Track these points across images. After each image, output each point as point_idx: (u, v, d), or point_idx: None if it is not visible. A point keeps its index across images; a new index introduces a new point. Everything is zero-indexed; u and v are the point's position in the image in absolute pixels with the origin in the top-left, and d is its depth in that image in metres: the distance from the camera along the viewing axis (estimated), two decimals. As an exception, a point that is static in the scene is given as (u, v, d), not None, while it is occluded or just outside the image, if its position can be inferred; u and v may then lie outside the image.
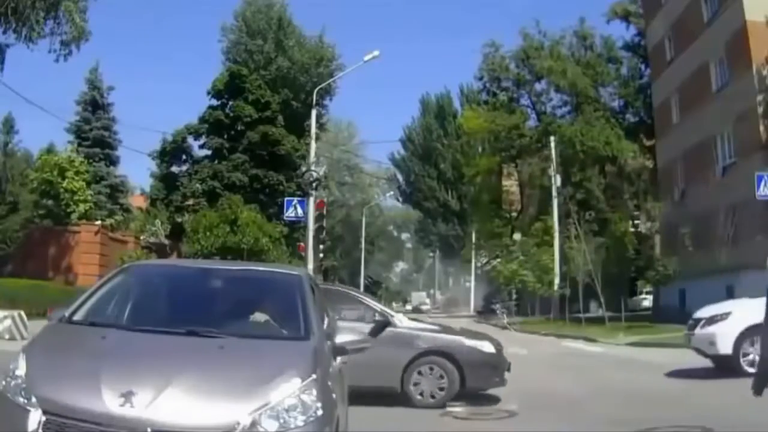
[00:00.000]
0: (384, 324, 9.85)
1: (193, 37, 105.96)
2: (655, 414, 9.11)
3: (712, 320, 13.15)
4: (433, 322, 12.03)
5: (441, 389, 9.88)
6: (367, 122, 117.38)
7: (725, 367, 12.60)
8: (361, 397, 7.06)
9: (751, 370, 12.15)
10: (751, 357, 12.30)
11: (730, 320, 12.79)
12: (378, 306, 10.74)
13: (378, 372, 9.60)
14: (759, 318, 12.69)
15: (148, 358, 4.34)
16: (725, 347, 12.52)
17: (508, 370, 10.35)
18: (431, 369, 9.92)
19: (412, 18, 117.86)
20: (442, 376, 9.89)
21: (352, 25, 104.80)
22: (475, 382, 10.02)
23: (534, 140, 41.70)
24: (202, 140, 38.19)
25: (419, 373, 9.92)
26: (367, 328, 9.75)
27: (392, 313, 10.69)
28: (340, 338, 5.29)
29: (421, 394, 9.90)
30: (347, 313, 10.31)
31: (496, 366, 10.24)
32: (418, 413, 9.53)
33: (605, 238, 36.23)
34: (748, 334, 12.30)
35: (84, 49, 25.29)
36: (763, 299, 14.10)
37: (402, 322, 10.35)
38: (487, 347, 10.32)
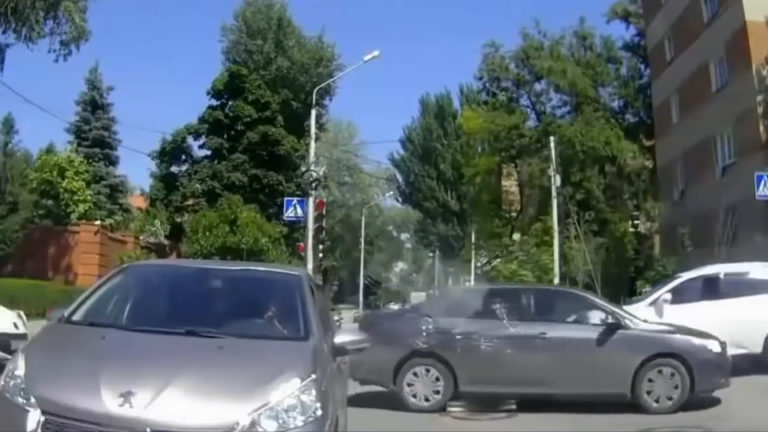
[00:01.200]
0: (615, 326, 9.61)
1: (193, 37, 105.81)
2: (656, 414, 9.10)
3: None
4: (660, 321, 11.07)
5: (672, 394, 9.29)
6: (367, 122, 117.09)
7: None
8: (360, 397, 7.05)
9: None
10: None
11: None
12: (609, 307, 10.19)
13: (607, 377, 9.34)
14: None
15: (148, 359, 4.35)
16: None
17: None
18: (663, 372, 9.32)
19: (412, 18, 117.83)
20: (675, 382, 9.28)
21: (352, 25, 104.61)
22: (703, 384, 9.39)
23: (534, 140, 41.59)
24: (202, 140, 38.17)
25: (655, 375, 9.34)
26: (596, 330, 9.63)
27: (624, 314, 10.04)
28: (340, 338, 5.29)
29: (653, 399, 9.31)
30: (576, 315, 10.07)
31: (722, 366, 9.58)
32: (417, 413, 9.52)
33: (605, 238, 36.17)
34: None
35: (84, 49, 25.22)
36: (626, 307, 13.94)
37: (634, 322, 9.84)
38: (715, 346, 9.63)
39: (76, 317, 5.04)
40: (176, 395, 3.95)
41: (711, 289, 12.87)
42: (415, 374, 9.58)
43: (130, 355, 4.41)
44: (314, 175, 25.68)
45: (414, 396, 9.55)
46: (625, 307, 13.12)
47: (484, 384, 9.48)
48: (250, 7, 46.41)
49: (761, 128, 25.54)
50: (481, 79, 45.89)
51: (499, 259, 42.74)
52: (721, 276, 12.99)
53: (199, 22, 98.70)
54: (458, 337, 9.57)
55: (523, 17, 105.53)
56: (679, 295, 12.66)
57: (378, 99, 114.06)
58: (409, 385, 9.56)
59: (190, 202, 36.48)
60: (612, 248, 35.07)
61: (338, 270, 71.48)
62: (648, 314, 12.20)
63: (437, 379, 9.52)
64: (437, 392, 9.51)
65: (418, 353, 9.61)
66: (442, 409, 9.40)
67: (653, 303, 12.60)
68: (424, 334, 9.69)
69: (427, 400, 9.54)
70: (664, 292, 12.87)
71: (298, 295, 5.32)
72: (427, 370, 9.57)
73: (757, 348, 11.71)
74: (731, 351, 11.53)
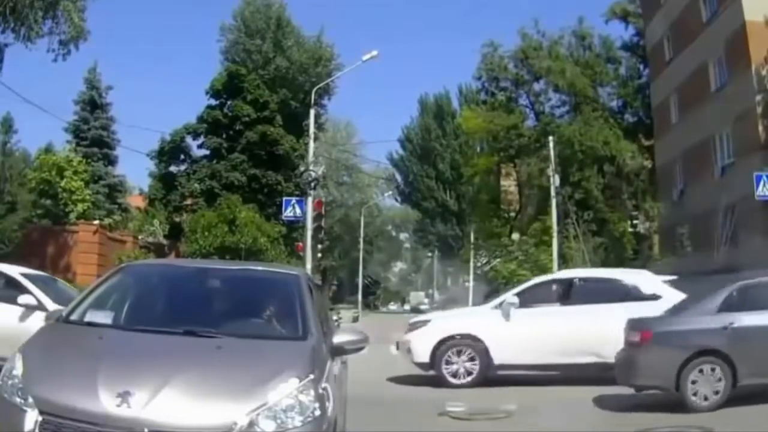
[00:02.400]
0: None
1: (191, 36, 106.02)
2: (655, 414, 9.10)
3: (413, 326, 12.99)
4: None
5: None
6: (366, 122, 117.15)
7: (433, 376, 12.29)
8: (359, 397, 7.03)
9: (455, 381, 11.93)
10: (454, 367, 12.07)
11: (427, 328, 12.61)
12: None
13: None
14: (457, 329, 12.30)
15: (146, 358, 4.33)
16: (421, 355, 12.37)
17: None
18: None
19: (411, 18, 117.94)
20: None
21: (351, 25, 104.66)
22: None
23: (532, 140, 41.58)
24: (201, 140, 38.11)
25: None
26: None
27: None
28: (338, 338, 5.27)
29: None
30: None
31: None
32: (416, 413, 9.50)
33: (604, 238, 36.21)
34: (447, 344, 12.13)
35: (83, 49, 25.19)
36: (468, 309, 13.75)
37: None
38: None
39: (73, 317, 5.03)
40: (174, 395, 3.94)
41: (563, 293, 12.67)
42: (693, 379, 9.32)
43: (128, 355, 4.40)
44: (313, 174, 25.67)
45: (703, 399, 9.30)
46: (472, 308, 13.05)
47: (763, 376, 9.35)
48: (249, 6, 46.42)
49: (760, 128, 25.55)
50: (479, 78, 45.86)
51: (498, 259, 42.77)
52: (576, 281, 12.80)
53: (198, 22, 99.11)
54: (737, 331, 9.40)
55: (522, 17, 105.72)
56: (529, 299, 12.41)
57: (377, 99, 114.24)
58: (693, 388, 9.30)
59: (188, 201, 36.45)
60: (611, 248, 35.09)
61: (337, 270, 71.46)
62: (494, 317, 12.21)
63: (716, 374, 9.30)
64: (718, 389, 9.30)
65: (701, 352, 9.37)
66: (720, 406, 9.21)
67: (499, 305, 12.45)
68: (707, 331, 9.50)
69: (715, 393, 9.28)
70: (510, 295, 12.67)
71: (297, 295, 5.31)
72: (705, 369, 9.33)
73: (609, 357, 10.43)
74: (578, 359, 11.52)
